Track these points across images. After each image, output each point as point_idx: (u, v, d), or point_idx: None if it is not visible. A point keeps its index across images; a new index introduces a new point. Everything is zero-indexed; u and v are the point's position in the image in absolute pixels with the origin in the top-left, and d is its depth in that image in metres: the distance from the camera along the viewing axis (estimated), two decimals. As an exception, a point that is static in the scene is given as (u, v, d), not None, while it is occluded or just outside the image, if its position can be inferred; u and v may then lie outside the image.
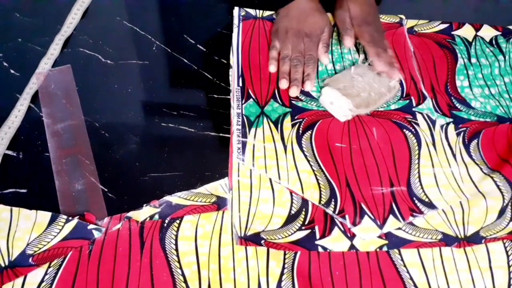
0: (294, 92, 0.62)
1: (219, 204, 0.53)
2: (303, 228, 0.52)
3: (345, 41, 0.66)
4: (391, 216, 0.52)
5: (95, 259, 0.48)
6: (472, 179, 0.56)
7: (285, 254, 0.50)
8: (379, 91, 0.61)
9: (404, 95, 0.63)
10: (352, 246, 0.50)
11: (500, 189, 0.54)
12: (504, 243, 0.51)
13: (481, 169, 0.57)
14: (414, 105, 0.62)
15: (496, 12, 0.77)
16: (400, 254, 0.50)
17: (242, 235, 0.51)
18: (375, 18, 0.69)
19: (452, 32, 0.72)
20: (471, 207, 0.53)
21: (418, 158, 0.57)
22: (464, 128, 0.60)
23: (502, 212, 0.53)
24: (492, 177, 0.55)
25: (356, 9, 0.67)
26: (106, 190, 0.54)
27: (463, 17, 0.74)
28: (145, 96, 0.64)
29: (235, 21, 0.70)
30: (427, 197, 0.54)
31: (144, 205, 0.52)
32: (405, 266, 0.49)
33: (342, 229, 0.52)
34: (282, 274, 0.48)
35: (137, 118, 0.61)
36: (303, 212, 0.53)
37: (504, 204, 0.53)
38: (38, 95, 0.61)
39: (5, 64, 0.65)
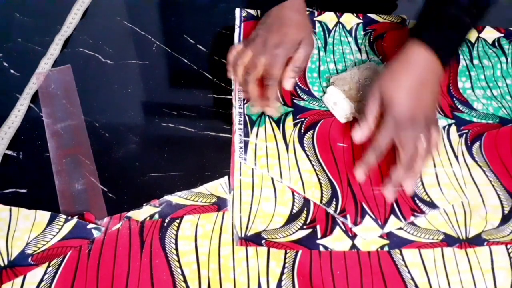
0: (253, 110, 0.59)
1: (219, 205, 0.52)
2: (304, 227, 0.51)
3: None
4: (392, 216, 0.52)
5: (95, 259, 0.48)
6: (475, 181, 0.56)
7: (285, 254, 0.49)
8: None
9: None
10: (354, 246, 0.50)
11: (499, 198, 0.54)
12: (506, 245, 0.51)
13: (483, 171, 0.57)
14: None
15: (498, 13, 0.77)
16: (401, 254, 0.50)
17: (243, 235, 0.50)
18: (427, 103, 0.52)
19: (454, 33, 0.72)
20: (472, 211, 0.53)
21: (420, 157, 0.57)
22: (466, 131, 0.60)
23: (506, 220, 0.53)
24: (493, 186, 0.55)
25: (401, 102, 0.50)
26: (106, 190, 0.54)
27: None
28: (145, 96, 0.63)
29: (237, 21, 0.70)
30: (428, 196, 0.54)
31: (144, 204, 0.52)
32: (406, 266, 0.49)
33: (344, 228, 0.51)
34: (282, 274, 0.48)
35: (137, 118, 0.61)
36: (305, 211, 0.52)
37: (506, 212, 0.53)
38: (38, 95, 0.61)
39: (5, 64, 0.65)
